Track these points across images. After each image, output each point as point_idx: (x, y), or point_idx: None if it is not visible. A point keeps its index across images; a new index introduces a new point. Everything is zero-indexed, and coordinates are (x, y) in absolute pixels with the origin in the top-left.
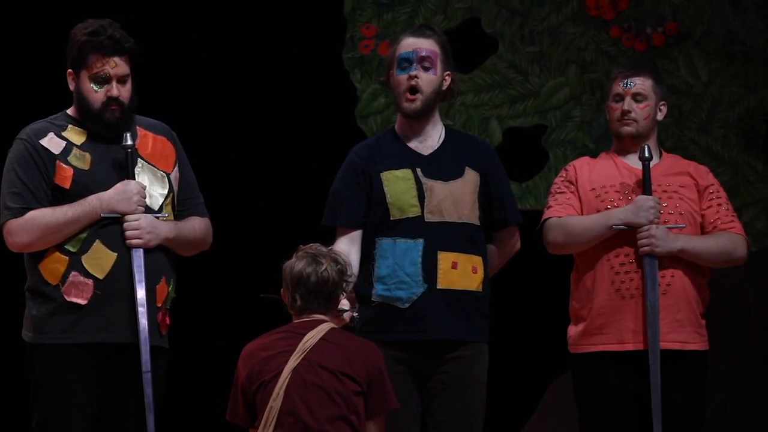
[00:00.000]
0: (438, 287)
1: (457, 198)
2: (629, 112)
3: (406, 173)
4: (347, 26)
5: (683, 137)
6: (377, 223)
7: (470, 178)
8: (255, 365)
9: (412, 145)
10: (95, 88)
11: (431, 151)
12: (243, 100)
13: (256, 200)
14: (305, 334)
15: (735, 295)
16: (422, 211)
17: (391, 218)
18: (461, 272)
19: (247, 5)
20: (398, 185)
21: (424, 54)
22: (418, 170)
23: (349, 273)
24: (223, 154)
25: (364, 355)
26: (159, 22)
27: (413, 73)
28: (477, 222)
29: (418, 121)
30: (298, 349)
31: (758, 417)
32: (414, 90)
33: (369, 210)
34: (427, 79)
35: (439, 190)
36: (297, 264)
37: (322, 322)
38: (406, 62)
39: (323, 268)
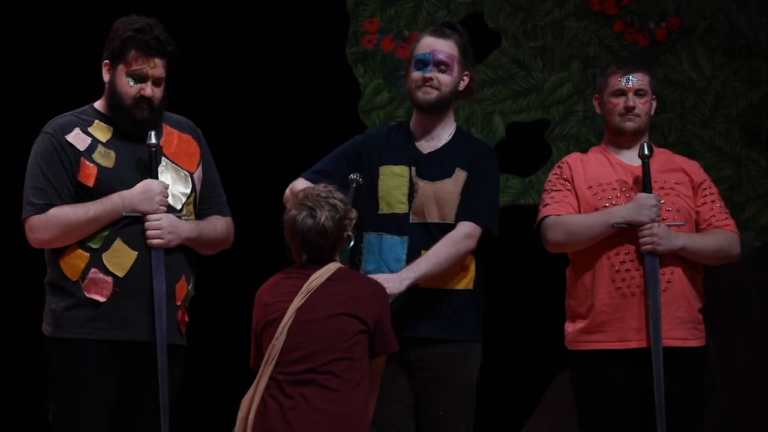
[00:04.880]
0: (421, 287)
1: (440, 199)
2: (634, 107)
3: (402, 170)
4: (350, 21)
5: (686, 132)
6: (366, 215)
7: (458, 177)
8: (263, 306)
9: (419, 142)
10: (130, 83)
11: (432, 150)
12: (245, 95)
13: (257, 196)
14: (310, 275)
15: (738, 290)
16: (409, 210)
17: (379, 212)
18: (446, 271)
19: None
20: (392, 181)
21: (440, 57)
22: (413, 169)
23: (349, 216)
24: (225, 150)
25: (370, 296)
26: (161, 19)
27: (428, 75)
28: None
29: (430, 116)
30: (303, 289)
31: (762, 412)
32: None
33: (362, 202)
34: (443, 80)
35: (423, 190)
36: (297, 217)
37: (324, 261)
38: (422, 63)
39: (321, 220)
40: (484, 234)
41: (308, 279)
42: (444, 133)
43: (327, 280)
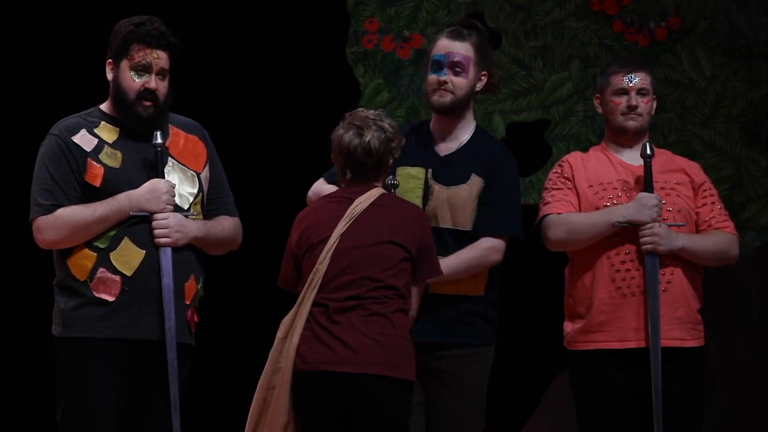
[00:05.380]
0: (430, 291)
1: (453, 205)
2: (637, 106)
3: (419, 172)
4: (350, 21)
5: (686, 132)
6: None
7: (474, 184)
8: (306, 229)
9: (437, 144)
10: (134, 77)
11: (448, 152)
12: (245, 95)
13: (256, 196)
14: (354, 199)
15: (738, 289)
16: None
17: None
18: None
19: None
20: (408, 183)
21: (455, 59)
22: (430, 171)
23: (396, 140)
24: (224, 151)
25: (413, 222)
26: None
27: (443, 78)
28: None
29: (448, 118)
30: (347, 214)
31: (761, 411)
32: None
33: None
34: (457, 83)
35: (437, 194)
36: (344, 136)
37: (368, 185)
38: (438, 65)
39: (367, 139)
40: (510, 240)
41: (352, 204)
42: (462, 134)
43: (371, 205)
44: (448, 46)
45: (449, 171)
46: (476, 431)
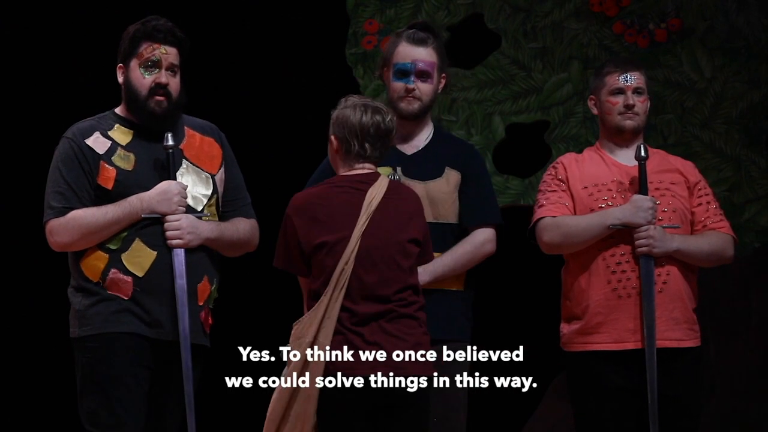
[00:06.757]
0: None
1: (433, 198)
2: (634, 105)
3: (385, 170)
4: (350, 22)
5: (686, 133)
6: None
7: (450, 177)
8: (314, 219)
9: (400, 145)
10: (144, 74)
11: (415, 151)
12: (244, 97)
13: (257, 196)
14: (365, 190)
15: (738, 290)
16: None
17: None
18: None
19: (250, 1)
20: None
21: (421, 67)
22: (399, 169)
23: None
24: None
25: (419, 212)
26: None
27: (411, 86)
28: (456, 220)
29: (411, 123)
30: (363, 210)
31: (761, 413)
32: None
33: None
34: (424, 90)
35: (414, 190)
36: (357, 114)
37: (373, 173)
38: (403, 73)
39: (389, 118)
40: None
41: (365, 197)
42: (424, 134)
43: (383, 198)
44: (413, 53)
45: (421, 166)
46: (458, 423)
